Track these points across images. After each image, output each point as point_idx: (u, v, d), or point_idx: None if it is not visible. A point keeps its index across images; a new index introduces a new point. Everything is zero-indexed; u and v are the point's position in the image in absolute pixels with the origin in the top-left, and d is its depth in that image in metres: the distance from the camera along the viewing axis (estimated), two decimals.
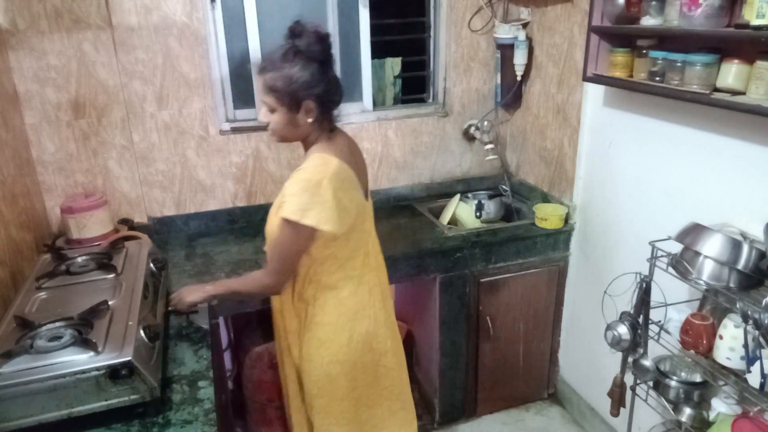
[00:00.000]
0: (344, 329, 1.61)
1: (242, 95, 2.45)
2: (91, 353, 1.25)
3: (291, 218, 1.39)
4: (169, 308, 1.66)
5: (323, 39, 1.41)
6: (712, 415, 1.61)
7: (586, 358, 2.48)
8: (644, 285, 1.69)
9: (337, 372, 1.63)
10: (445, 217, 2.59)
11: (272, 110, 1.44)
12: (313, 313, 1.60)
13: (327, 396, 1.67)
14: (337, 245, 1.52)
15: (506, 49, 2.54)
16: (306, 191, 1.40)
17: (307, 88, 1.40)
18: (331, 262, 1.55)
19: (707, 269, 1.51)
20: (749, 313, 1.39)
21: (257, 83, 1.45)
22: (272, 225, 1.51)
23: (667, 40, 1.75)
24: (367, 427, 1.76)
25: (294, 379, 1.74)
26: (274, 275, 1.51)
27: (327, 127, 1.52)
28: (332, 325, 1.60)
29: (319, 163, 1.44)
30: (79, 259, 1.77)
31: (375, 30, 2.56)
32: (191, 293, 1.60)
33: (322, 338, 1.61)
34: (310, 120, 1.45)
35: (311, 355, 1.62)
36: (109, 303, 1.46)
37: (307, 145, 1.54)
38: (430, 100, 2.80)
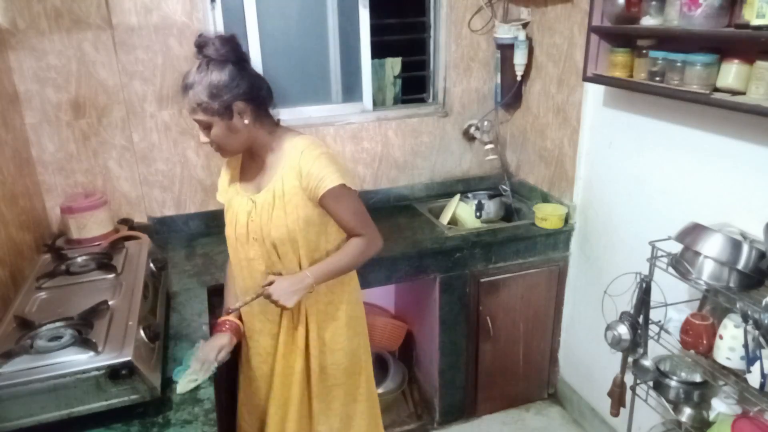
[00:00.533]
0: (359, 302, 1.70)
1: None
2: (91, 353, 1.25)
3: (340, 182, 1.43)
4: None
5: (229, 40, 1.40)
6: (712, 415, 1.61)
7: (586, 358, 2.48)
8: (644, 285, 1.69)
9: (357, 345, 1.70)
10: (445, 217, 2.59)
11: (207, 126, 1.41)
12: (335, 291, 1.62)
13: (352, 376, 1.71)
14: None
15: (506, 49, 2.54)
16: (332, 160, 1.45)
17: (231, 90, 1.38)
18: (340, 232, 1.58)
19: (707, 269, 1.51)
20: (749, 313, 1.39)
21: (185, 107, 1.41)
22: (292, 222, 1.47)
23: (667, 40, 1.75)
24: (375, 403, 1.86)
25: (302, 377, 1.64)
26: (378, 234, 1.59)
27: (269, 122, 1.50)
28: (353, 302, 1.67)
29: (311, 141, 1.50)
30: (79, 259, 1.77)
31: (375, 30, 2.56)
32: (291, 296, 1.49)
33: (351, 315, 1.66)
34: (246, 122, 1.43)
35: (339, 338, 1.64)
36: (109, 303, 1.46)
37: (259, 148, 1.51)
38: (430, 100, 2.80)
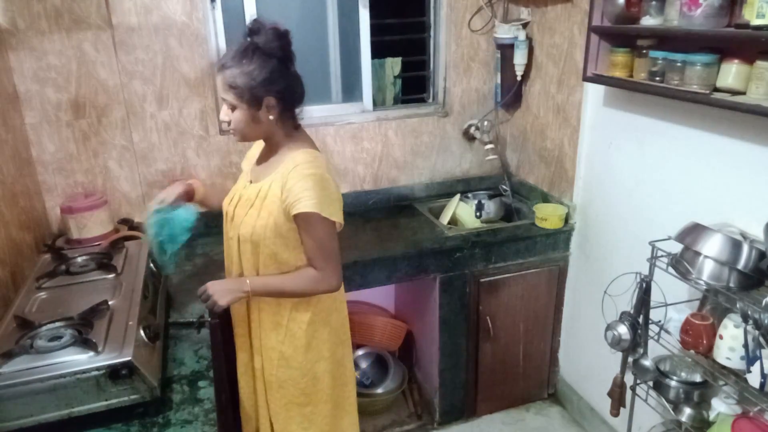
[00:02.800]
0: (325, 324, 1.62)
1: None
2: (91, 353, 1.25)
3: (313, 211, 1.39)
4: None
5: (282, 36, 1.41)
6: (712, 415, 1.61)
7: (586, 358, 2.48)
8: (644, 285, 1.69)
9: (323, 370, 1.63)
10: (445, 217, 2.59)
11: (233, 108, 1.42)
12: (294, 316, 1.56)
13: (312, 402, 1.64)
14: None
15: (506, 49, 2.54)
16: (318, 185, 1.41)
17: (268, 85, 1.39)
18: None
19: (707, 269, 1.51)
20: (749, 313, 1.39)
21: (218, 81, 1.42)
22: (260, 226, 1.46)
23: (667, 40, 1.75)
24: None
25: (263, 399, 1.65)
26: (335, 272, 1.50)
27: (291, 125, 1.52)
28: (315, 322, 1.59)
29: (311, 158, 1.46)
30: (79, 259, 1.77)
31: (375, 30, 2.56)
32: (225, 294, 1.48)
33: (307, 337, 1.58)
34: (271, 117, 1.44)
35: (296, 359, 1.58)
36: (109, 303, 1.46)
37: (273, 144, 1.53)
38: (430, 100, 2.80)
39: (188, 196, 1.66)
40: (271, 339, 1.58)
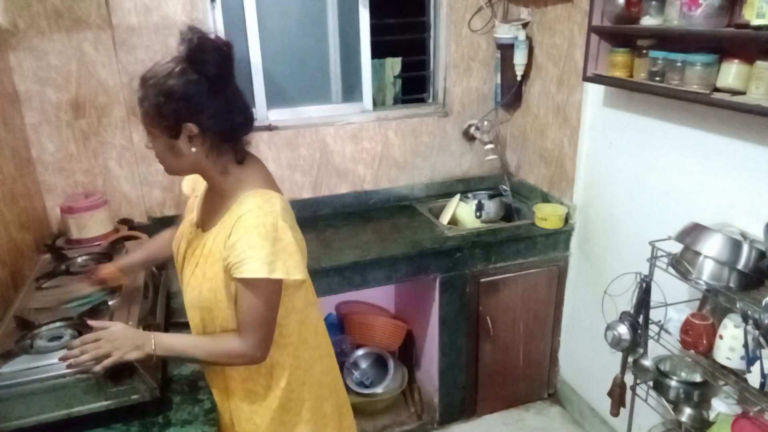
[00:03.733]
0: (302, 382, 1.35)
1: None
2: None
3: (259, 276, 1.12)
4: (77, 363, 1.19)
5: (218, 49, 1.12)
6: (712, 415, 1.61)
7: (586, 358, 2.48)
8: (644, 285, 1.69)
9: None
10: (445, 217, 2.59)
11: (149, 134, 1.16)
12: (269, 383, 1.31)
13: None
14: (296, 293, 1.29)
15: (506, 49, 2.54)
16: (265, 239, 1.12)
17: (187, 108, 1.11)
18: (293, 316, 1.30)
19: (707, 269, 1.51)
20: (749, 313, 1.39)
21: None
22: (207, 290, 1.21)
23: (667, 40, 1.75)
24: None
25: None
26: (261, 344, 1.20)
27: (229, 158, 1.20)
28: (291, 382, 1.33)
29: (262, 202, 1.16)
30: (79, 259, 1.77)
31: (375, 30, 2.56)
32: (128, 349, 1.17)
33: (281, 400, 1.33)
34: (194, 149, 1.15)
35: (272, 429, 1.34)
36: (109, 303, 1.46)
37: (212, 183, 1.24)
38: (430, 100, 2.80)
39: (109, 282, 1.48)
40: (244, 409, 1.33)
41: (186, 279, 1.27)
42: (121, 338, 1.18)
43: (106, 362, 1.15)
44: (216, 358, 1.24)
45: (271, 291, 1.18)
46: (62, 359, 1.16)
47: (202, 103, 1.12)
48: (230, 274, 1.15)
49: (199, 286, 1.22)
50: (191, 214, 1.34)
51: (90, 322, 1.23)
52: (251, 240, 1.12)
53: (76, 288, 1.49)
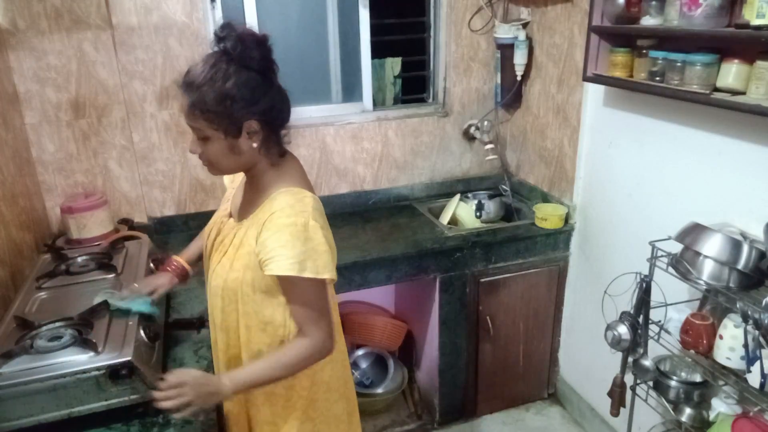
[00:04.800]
0: (334, 392, 1.38)
1: None
2: (91, 353, 1.25)
3: (289, 274, 1.14)
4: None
5: (261, 43, 1.14)
6: (712, 415, 1.61)
7: (586, 358, 2.48)
8: (644, 285, 1.69)
9: None
10: (445, 217, 2.59)
11: (204, 138, 1.16)
12: (292, 383, 1.31)
13: None
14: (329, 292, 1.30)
15: (506, 49, 2.54)
16: (297, 239, 1.14)
17: (248, 106, 1.12)
18: None
19: (707, 269, 1.51)
20: (749, 313, 1.39)
21: (182, 104, 1.14)
22: (232, 280, 1.23)
23: (667, 40, 1.75)
24: None
25: None
26: (325, 333, 1.23)
27: (276, 151, 1.23)
28: (322, 392, 1.35)
29: (294, 201, 1.18)
30: (79, 259, 1.77)
31: (375, 30, 2.56)
32: (207, 399, 1.16)
33: (309, 412, 1.35)
34: (255, 145, 1.17)
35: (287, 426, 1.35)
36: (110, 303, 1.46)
37: (254, 176, 1.26)
38: (430, 100, 2.80)
39: (180, 279, 1.51)
40: (265, 412, 1.34)
41: (212, 266, 1.28)
42: (198, 388, 1.15)
43: (187, 411, 1.14)
44: (296, 369, 1.24)
45: (312, 286, 1.19)
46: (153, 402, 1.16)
47: (258, 98, 1.13)
48: (263, 269, 1.17)
49: (225, 275, 1.23)
50: (226, 203, 1.36)
51: (167, 376, 1.16)
52: (283, 238, 1.14)
53: (139, 287, 1.46)
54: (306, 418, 1.35)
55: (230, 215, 1.33)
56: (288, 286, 1.20)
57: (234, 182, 1.42)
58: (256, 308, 1.24)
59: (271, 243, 1.14)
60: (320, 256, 1.16)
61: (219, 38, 1.12)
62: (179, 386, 1.13)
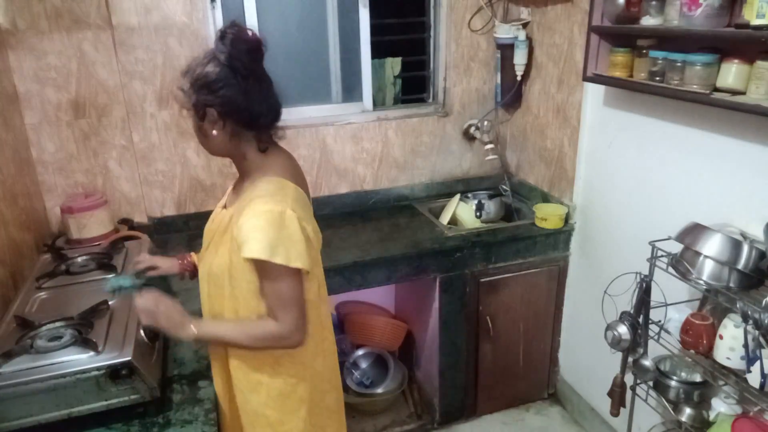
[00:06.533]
0: (302, 377, 1.39)
1: None
2: (91, 353, 1.25)
3: (260, 257, 1.17)
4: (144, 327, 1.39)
5: (251, 51, 1.22)
6: (712, 415, 1.61)
7: (586, 358, 2.48)
8: (644, 285, 1.69)
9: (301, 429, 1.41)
10: (445, 217, 2.59)
11: (186, 110, 1.27)
12: (277, 370, 1.35)
13: None
14: (308, 286, 1.32)
15: (506, 49, 2.54)
16: (271, 225, 1.18)
17: (208, 94, 1.20)
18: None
19: (707, 269, 1.51)
20: (749, 313, 1.39)
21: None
22: (217, 266, 1.29)
23: (667, 40, 1.75)
24: None
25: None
26: (295, 323, 1.25)
27: (252, 147, 1.28)
28: (308, 378, 1.39)
29: (274, 189, 1.24)
30: (79, 259, 1.77)
31: (375, 30, 2.56)
32: (171, 324, 1.26)
33: (300, 396, 1.38)
34: (215, 132, 1.23)
35: (285, 422, 1.39)
36: (109, 303, 1.46)
37: (239, 165, 1.33)
38: (430, 100, 2.80)
39: (181, 272, 1.55)
40: (252, 401, 1.37)
41: (202, 254, 1.37)
42: (170, 312, 1.26)
43: (151, 323, 1.25)
44: (257, 342, 1.28)
45: (284, 273, 1.22)
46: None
47: (220, 91, 1.20)
48: (240, 253, 1.21)
49: (211, 260, 1.31)
50: (221, 201, 1.44)
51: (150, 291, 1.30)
52: (258, 223, 1.19)
53: (149, 262, 1.52)
54: (291, 407, 1.39)
55: (225, 206, 1.39)
56: (261, 271, 1.23)
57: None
58: (244, 294, 1.28)
59: (246, 226, 1.19)
60: (294, 245, 1.21)
61: (221, 35, 1.22)
62: (156, 305, 1.25)
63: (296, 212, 1.22)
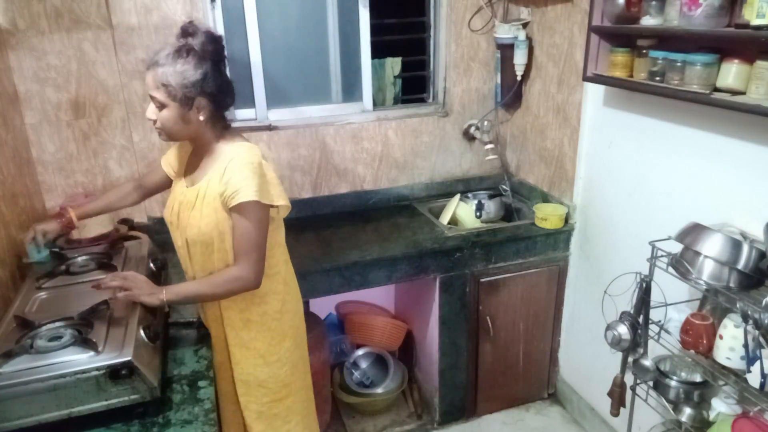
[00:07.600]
0: (296, 312, 1.68)
1: (241, 95, 2.45)
2: (91, 353, 1.25)
3: (253, 199, 1.39)
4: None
5: (216, 40, 1.43)
6: (712, 415, 1.61)
7: (586, 358, 2.48)
8: (644, 285, 1.69)
9: (297, 357, 1.68)
10: (445, 217, 2.59)
11: (162, 106, 1.41)
12: (265, 309, 1.58)
13: (292, 392, 1.68)
14: (278, 230, 1.58)
15: (506, 49, 2.54)
16: (255, 173, 1.42)
17: (200, 86, 1.39)
18: (277, 249, 1.59)
19: (707, 269, 1.51)
20: (749, 313, 1.39)
21: (147, 79, 1.40)
22: (205, 225, 1.46)
23: (667, 40, 1.75)
24: (313, 416, 1.83)
25: (235, 398, 1.65)
26: (255, 266, 1.45)
27: (221, 126, 1.51)
28: (289, 312, 1.64)
29: (247, 149, 1.47)
30: (79, 259, 1.77)
31: (375, 30, 2.56)
32: (146, 292, 1.42)
33: (284, 329, 1.62)
34: (201, 118, 1.43)
35: (274, 352, 1.61)
36: (109, 303, 1.46)
37: (202, 145, 1.52)
38: (430, 100, 2.80)
39: (67, 227, 1.71)
40: (243, 337, 1.59)
41: (183, 224, 1.51)
42: (141, 283, 1.44)
43: (125, 295, 1.40)
44: (219, 288, 1.46)
45: (260, 215, 1.44)
46: (94, 286, 1.43)
47: (209, 83, 1.41)
48: (226, 206, 1.42)
49: (198, 223, 1.47)
50: (180, 184, 1.58)
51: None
52: (245, 173, 1.41)
53: (39, 229, 1.67)
54: (286, 339, 1.63)
55: (187, 187, 1.54)
56: (242, 214, 1.42)
57: (171, 165, 1.68)
58: (227, 247, 1.47)
59: (235, 178, 1.40)
60: (273, 187, 1.48)
61: (184, 32, 1.41)
62: (125, 278, 1.43)
63: (266, 163, 1.47)
